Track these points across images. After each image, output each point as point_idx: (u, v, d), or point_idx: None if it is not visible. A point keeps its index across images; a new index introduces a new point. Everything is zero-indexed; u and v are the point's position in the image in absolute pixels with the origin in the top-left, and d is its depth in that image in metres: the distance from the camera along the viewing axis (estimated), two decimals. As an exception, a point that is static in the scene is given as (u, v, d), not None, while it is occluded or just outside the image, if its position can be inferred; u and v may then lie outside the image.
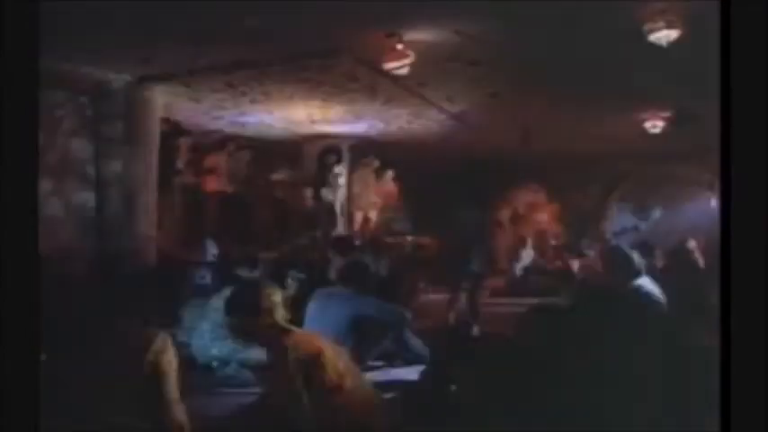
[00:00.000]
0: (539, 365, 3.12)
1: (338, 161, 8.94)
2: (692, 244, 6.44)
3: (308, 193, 8.85)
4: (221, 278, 5.15)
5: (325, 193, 8.82)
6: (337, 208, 9.13)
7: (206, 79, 6.11)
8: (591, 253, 9.24)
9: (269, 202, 8.91)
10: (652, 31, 4.40)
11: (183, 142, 7.66)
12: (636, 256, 4.25)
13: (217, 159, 8.31)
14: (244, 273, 5.21)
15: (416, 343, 4.73)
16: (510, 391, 2.96)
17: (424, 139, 8.99)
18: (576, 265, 8.20)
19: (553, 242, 11.02)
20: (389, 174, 10.33)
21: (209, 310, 4.64)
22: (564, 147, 9.78)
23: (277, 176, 8.94)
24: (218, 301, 4.70)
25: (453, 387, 3.60)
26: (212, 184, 8.18)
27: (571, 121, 8.13)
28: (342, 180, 9.25)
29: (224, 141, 8.39)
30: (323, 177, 8.79)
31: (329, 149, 8.80)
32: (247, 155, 8.72)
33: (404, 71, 5.09)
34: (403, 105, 7.24)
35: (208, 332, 4.61)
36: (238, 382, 4.40)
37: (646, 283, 4.21)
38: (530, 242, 10.49)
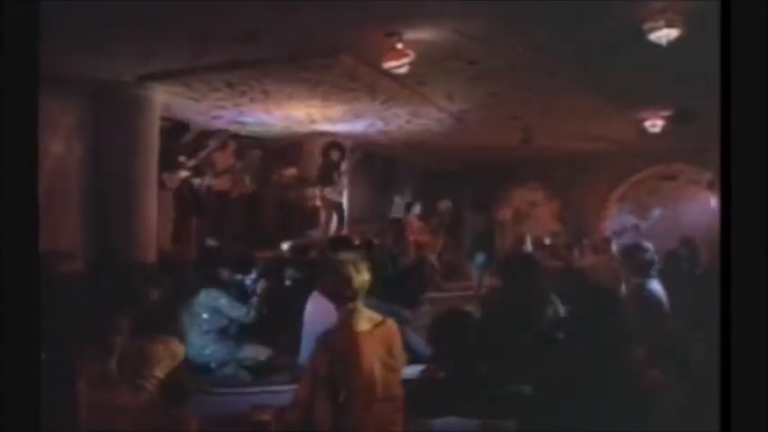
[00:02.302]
0: (541, 363, 3.12)
1: (342, 157, 8.87)
2: (694, 243, 6.45)
3: (312, 192, 8.80)
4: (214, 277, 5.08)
5: (329, 192, 8.77)
6: (344, 207, 9.09)
7: (205, 78, 6.10)
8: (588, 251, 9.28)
9: (273, 202, 8.86)
10: (652, 30, 4.40)
11: (184, 141, 7.64)
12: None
13: (223, 158, 8.26)
14: (239, 274, 5.19)
15: (417, 342, 4.72)
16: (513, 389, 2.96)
17: (423, 137, 8.99)
18: (579, 262, 8.21)
19: (553, 240, 11.02)
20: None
21: (197, 310, 4.64)
22: (564, 146, 9.78)
23: (284, 175, 8.87)
24: (209, 299, 4.71)
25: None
26: (219, 184, 8.13)
27: (571, 120, 8.12)
28: (345, 179, 9.21)
29: (228, 140, 8.33)
30: (327, 175, 8.72)
31: (332, 145, 8.73)
32: (257, 154, 8.67)
33: (403, 70, 5.09)
34: (403, 104, 7.24)
35: (198, 333, 4.60)
36: (237, 382, 4.41)
37: (647, 280, 4.23)
38: (529, 240, 10.50)
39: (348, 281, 2.58)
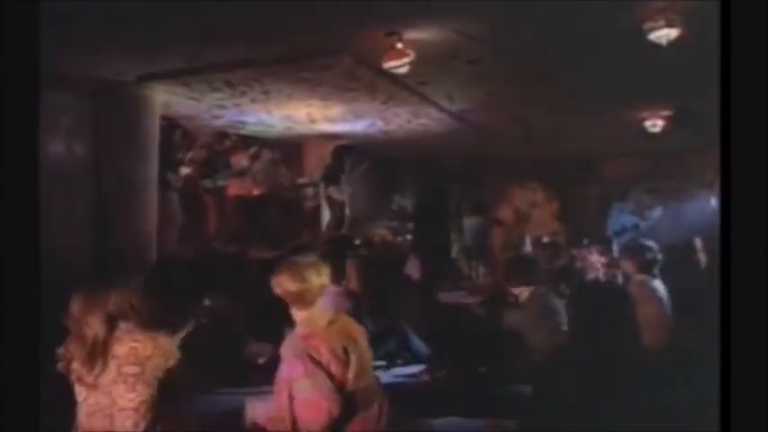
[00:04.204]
0: (539, 362, 3.13)
1: (351, 161, 8.88)
2: (694, 243, 6.45)
3: (313, 191, 8.79)
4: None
5: (332, 191, 8.77)
6: (346, 207, 9.10)
7: (205, 78, 6.10)
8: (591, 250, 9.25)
9: (276, 203, 8.86)
10: (652, 29, 4.41)
11: (185, 140, 7.64)
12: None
13: (238, 160, 8.25)
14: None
15: (419, 344, 4.72)
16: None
17: (423, 137, 8.99)
18: (579, 262, 8.19)
19: (552, 240, 11.01)
20: None
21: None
22: (564, 146, 9.78)
23: (296, 182, 8.86)
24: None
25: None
26: (233, 187, 8.11)
27: (571, 119, 8.12)
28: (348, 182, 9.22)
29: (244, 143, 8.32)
30: (333, 176, 8.72)
31: (345, 149, 8.72)
32: (268, 157, 8.66)
33: (404, 70, 5.09)
34: (403, 104, 7.24)
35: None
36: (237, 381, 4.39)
37: (650, 279, 4.24)
38: (528, 240, 10.49)
39: (308, 284, 2.57)
